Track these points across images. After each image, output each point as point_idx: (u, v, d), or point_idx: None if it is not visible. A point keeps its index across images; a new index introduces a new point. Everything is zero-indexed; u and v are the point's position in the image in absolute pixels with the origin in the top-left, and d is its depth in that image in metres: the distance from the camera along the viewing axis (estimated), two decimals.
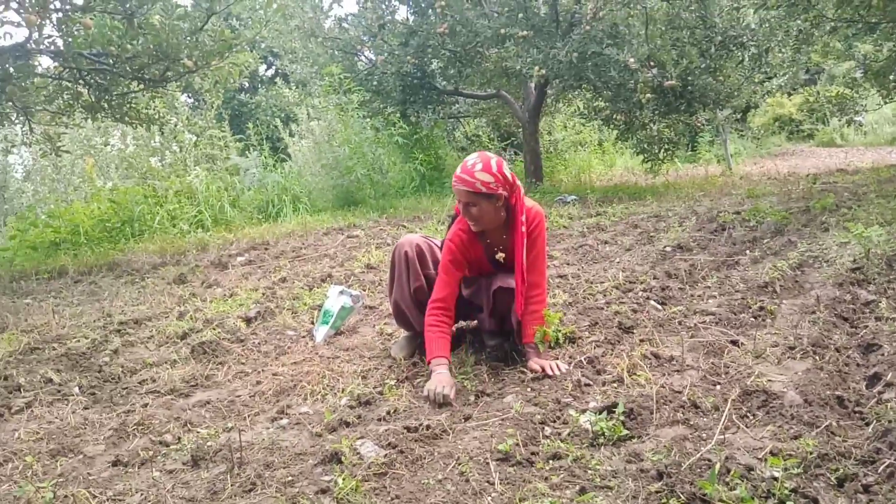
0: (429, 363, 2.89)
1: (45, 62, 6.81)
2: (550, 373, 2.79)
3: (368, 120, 10.43)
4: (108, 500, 2.12)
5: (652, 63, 8.24)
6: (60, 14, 5.20)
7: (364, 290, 4.61)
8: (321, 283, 4.93)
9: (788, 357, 2.81)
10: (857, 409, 2.29)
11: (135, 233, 7.84)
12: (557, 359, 2.93)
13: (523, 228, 2.91)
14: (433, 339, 2.92)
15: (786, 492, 1.80)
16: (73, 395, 3.07)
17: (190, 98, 14.00)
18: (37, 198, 9.50)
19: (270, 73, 21.86)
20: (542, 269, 3.06)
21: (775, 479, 1.87)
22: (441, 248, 3.19)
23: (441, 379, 2.75)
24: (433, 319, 2.96)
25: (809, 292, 3.69)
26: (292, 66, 13.25)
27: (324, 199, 9.54)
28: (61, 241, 7.49)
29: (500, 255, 3.05)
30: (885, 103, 11.48)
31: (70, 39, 5.20)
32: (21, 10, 4.73)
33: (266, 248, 6.62)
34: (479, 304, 3.17)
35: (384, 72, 9.84)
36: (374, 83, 10.15)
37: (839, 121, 17.01)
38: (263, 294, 4.72)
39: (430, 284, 3.14)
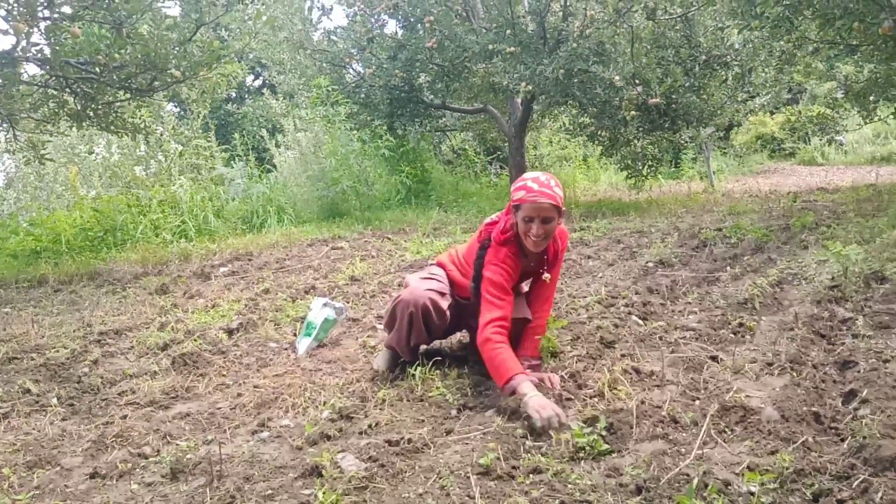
0: (508, 381, 2.61)
1: (31, 70, 6.76)
2: (548, 384, 2.77)
3: (355, 132, 10.47)
4: None
5: (637, 81, 8.33)
6: (48, 22, 5.19)
7: (348, 303, 4.61)
8: (304, 295, 4.92)
9: (766, 373, 2.84)
10: (832, 425, 2.32)
11: (117, 242, 7.79)
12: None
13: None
14: (505, 356, 2.69)
15: None
16: (51, 406, 3.04)
17: (176, 108, 13.95)
18: (18, 205, 9.41)
19: (258, 83, 21.86)
20: (556, 286, 3.17)
21: (752, 493, 1.89)
22: (441, 279, 3.18)
23: (544, 401, 2.49)
24: (497, 337, 2.72)
25: (788, 309, 3.74)
26: (280, 77, 13.28)
27: (309, 210, 9.54)
28: (42, 249, 7.43)
29: (547, 276, 3.01)
30: (865, 123, 11.63)
31: (58, 47, 5.17)
32: (9, 18, 4.71)
33: (249, 259, 6.60)
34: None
35: (372, 85, 9.88)
36: (362, 96, 10.19)
37: (820, 140, 17.25)
38: (246, 305, 4.71)
39: (431, 336, 3.17)
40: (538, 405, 2.46)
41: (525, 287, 3.22)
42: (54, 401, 3.10)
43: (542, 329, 3.08)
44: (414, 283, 3.11)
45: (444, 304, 3.07)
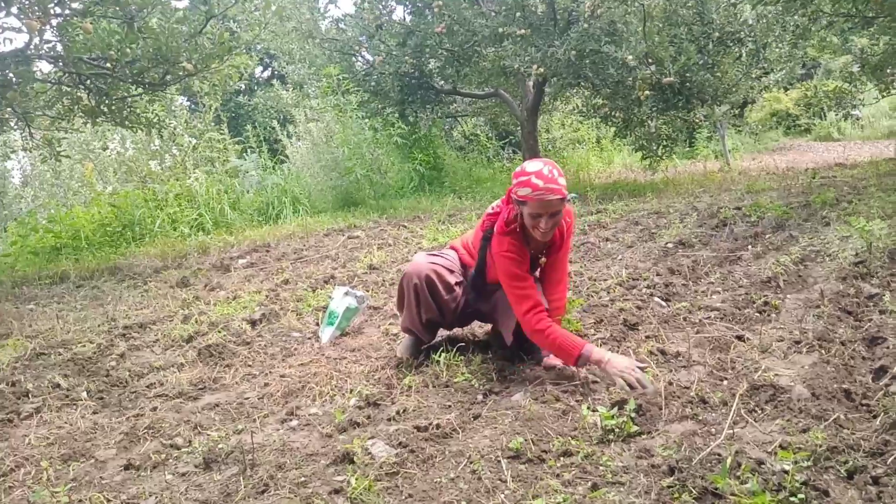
0: (578, 357, 2.65)
1: (44, 67, 6.82)
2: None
3: (367, 120, 10.45)
4: (122, 503, 2.12)
5: (650, 60, 8.25)
6: (61, 19, 5.20)
7: (368, 291, 4.62)
8: (324, 285, 4.94)
9: (794, 351, 2.83)
10: (864, 401, 2.30)
11: (135, 237, 7.85)
12: None
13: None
14: (561, 336, 2.70)
15: (797, 484, 1.82)
16: (81, 400, 3.08)
17: (187, 101, 14.00)
18: (36, 203, 9.50)
19: (267, 74, 21.86)
20: (567, 266, 3.10)
21: (786, 472, 1.88)
22: (450, 258, 3.17)
23: (622, 361, 2.62)
24: (542, 325, 2.73)
25: (813, 287, 3.71)
26: (289, 67, 13.27)
27: (323, 200, 9.56)
28: (62, 246, 7.50)
29: (543, 260, 3.00)
30: (883, 97, 11.48)
31: (70, 44, 5.19)
32: (22, 16, 4.73)
33: (267, 251, 6.63)
34: (495, 319, 3.15)
35: (382, 72, 9.85)
36: (372, 83, 10.17)
37: (836, 115, 17.05)
38: (267, 296, 4.73)
39: (442, 312, 3.11)
40: (617, 370, 2.59)
41: (536, 274, 3.20)
42: (84, 395, 3.14)
43: (561, 310, 3.05)
44: (417, 258, 3.14)
45: (452, 279, 3.08)
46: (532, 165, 2.69)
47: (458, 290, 3.10)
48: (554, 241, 2.96)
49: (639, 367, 2.62)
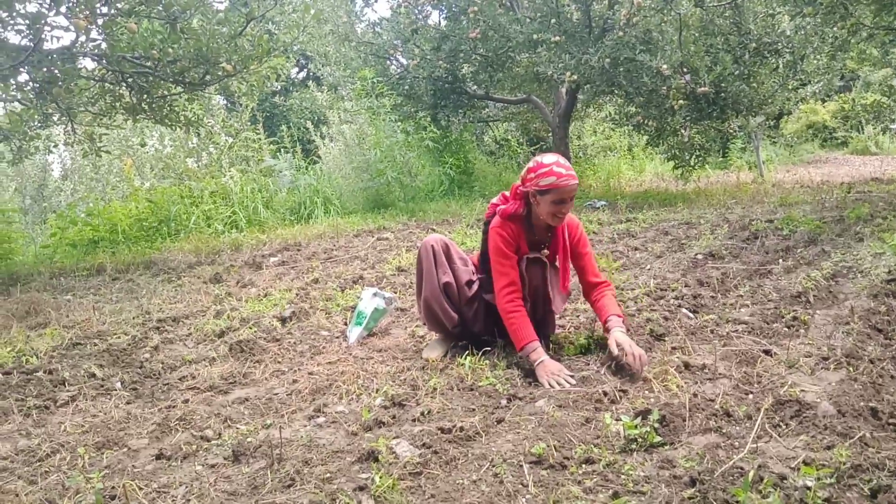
0: (521, 348, 2.99)
1: (88, 65, 7.03)
2: (632, 358, 2.81)
3: (399, 123, 10.54)
4: (153, 491, 2.19)
5: (685, 69, 8.21)
6: (106, 18, 5.36)
7: (395, 293, 4.67)
8: (353, 285, 5.00)
9: (822, 368, 2.81)
10: (891, 420, 2.28)
11: (171, 232, 8.02)
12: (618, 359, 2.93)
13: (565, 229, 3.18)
14: (520, 323, 3.02)
15: (819, 501, 1.82)
16: (115, 390, 3.17)
17: (225, 100, 14.24)
18: (75, 196, 9.74)
19: (302, 75, 22.12)
20: (596, 267, 3.30)
21: (808, 488, 1.87)
22: (464, 250, 3.45)
23: (554, 366, 2.88)
24: (511, 305, 3.04)
25: (843, 303, 3.67)
26: (324, 69, 13.42)
27: (354, 201, 9.66)
28: (100, 239, 7.69)
29: (545, 252, 3.17)
30: None
31: (114, 43, 5.34)
32: (70, 15, 4.88)
33: (298, 249, 6.72)
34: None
35: (416, 76, 9.94)
36: (406, 87, 10.25)
37: (874, 129, 16.73)
38: (297, 294, 4.81)
39: (457, 280, 3.27)
40: (547, 373, 2.85)
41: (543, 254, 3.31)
42: (118, 385, 3.23)
43: (613, 296, 3.21)
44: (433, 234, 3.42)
45: (465, 255, 3.38)
46: (548, 158, 2.98)
47: (470, 267, 3.35)
48: (554, 232, 3.17)
49: (569, 376, 2.84)
